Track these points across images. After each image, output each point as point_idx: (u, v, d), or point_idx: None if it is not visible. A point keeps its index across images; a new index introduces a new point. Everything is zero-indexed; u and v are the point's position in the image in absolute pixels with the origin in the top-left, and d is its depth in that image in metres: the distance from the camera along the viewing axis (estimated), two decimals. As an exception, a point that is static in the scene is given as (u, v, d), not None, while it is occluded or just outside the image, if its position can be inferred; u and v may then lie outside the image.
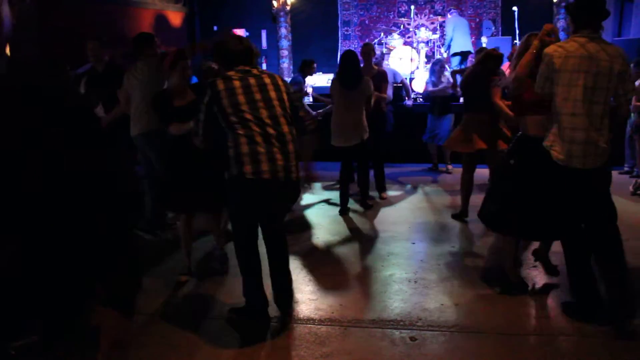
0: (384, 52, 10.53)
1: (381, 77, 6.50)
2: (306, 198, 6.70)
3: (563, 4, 10.95)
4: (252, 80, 3.23)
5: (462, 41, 10.54)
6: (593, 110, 3.28)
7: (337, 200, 6.09)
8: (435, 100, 8.02)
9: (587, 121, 3.27)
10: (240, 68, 3.27)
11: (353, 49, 12.36)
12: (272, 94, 3.25)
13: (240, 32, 12.04)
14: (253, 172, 3.11)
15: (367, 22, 12.60)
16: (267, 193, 3.21)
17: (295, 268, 4.41)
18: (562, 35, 10.83)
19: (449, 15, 11.14)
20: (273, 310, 3.63)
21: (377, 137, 6.32)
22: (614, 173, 7.66)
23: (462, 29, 10.65)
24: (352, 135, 5.73)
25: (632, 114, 7.15)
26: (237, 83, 3.20)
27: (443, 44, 11.05)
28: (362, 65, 6.31)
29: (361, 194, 6.25)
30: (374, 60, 7.16)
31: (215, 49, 3.40)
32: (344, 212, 5.98)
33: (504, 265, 4.07)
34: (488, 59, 5.29)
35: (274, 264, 3.49)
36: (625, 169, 7.84)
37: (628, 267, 3.61)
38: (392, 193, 6.77)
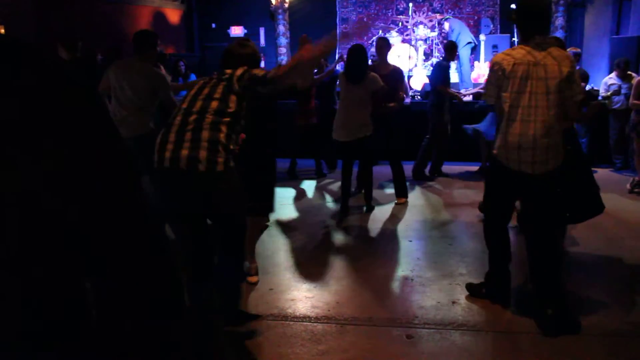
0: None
1: (397, 75, 6.17)
2: (306, 194, 6.69)
3: (561, 2, 10.96)
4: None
5: (467, 35, 10.64)
6: (541, 116, 3.27)
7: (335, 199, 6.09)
8: None
9: (535, 127, 3.26)
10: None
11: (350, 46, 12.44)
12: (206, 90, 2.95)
13: (239, 29, 12.04)
14: (157, 161, 2.82)
15: (365, 19, 12.59)
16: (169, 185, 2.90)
17: (292, 265, 4.41)
18: (560, 33, 10.85)
19: (446, 24, 11.09)
20: (268, 307, 3.63)
21: (394, 137, 6.19)
22: (605, 171, 7.71)
23: (463, 28, 10.71)
24: (353, 130, 5.64)
25: (632, 113, 7.15)
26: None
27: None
28: (376, 59, 6.30)
29: (365, 195, 6.08)
30: (370, 56, 7.12)
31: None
32: (344, 210, 5.91)
33: None
34: None
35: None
36: (617, 166, 7.91)
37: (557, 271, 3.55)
38: (389, 191, 6.76)
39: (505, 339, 3.28)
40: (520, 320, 3.49)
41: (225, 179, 2.82)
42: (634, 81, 7.10)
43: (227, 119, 2.85)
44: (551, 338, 3.26)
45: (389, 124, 6.12)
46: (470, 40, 10.45)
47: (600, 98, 8.18)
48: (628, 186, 6.69)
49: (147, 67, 4.79)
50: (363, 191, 6.20)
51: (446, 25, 11.02)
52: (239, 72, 2.96)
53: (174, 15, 12.08)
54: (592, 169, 7.64)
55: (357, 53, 5.75)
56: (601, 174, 7.77)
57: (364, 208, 6.03)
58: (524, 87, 3.27)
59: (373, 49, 8.40)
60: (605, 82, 8.08)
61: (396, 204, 6.25)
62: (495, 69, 3.38)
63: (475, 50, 10.69)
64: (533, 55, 3.29)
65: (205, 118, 2.81)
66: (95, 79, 5.61)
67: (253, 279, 4.05)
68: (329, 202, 6.42)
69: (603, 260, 4.51)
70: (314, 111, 7.33)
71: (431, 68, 11.32)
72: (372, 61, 8.29)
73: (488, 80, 3.49)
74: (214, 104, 2.85)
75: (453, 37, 10.66)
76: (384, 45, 6.33)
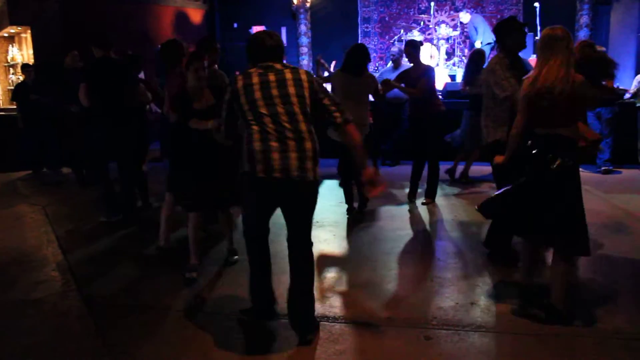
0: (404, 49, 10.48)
1: (429, 72, 6.13)
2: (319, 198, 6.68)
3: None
4: (271, 76, 3.15)
5: (489, 35, 10.58)
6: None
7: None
8: None
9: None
10: (263, 64, 3.20)
11: (373, 46, 12.41)
12: (291, 90, 3.12)
13: (260, 29, 12.06)
14: (264, 170, 3.04)
15: (387, 19, 12.54)
16: (279, 192, 3.13)
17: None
18: (585, 31, 10.67)
19: (467, 15, 11.00)
20: (286, 307, 3.63)
21: (432, 137, 6.16)
22: (632, 172, 7.54)
23: (487, 28, 10.65)
24: (360, 127, 5.57)
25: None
26: (256, 79, 3.14)
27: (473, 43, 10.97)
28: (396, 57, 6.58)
29: (359, 195, 5.87)
30: (390, 57, 7.06)
31: (246, 44, 3.35)
32: (350, 211, 5.82)
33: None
34: None
35: (294, 280, 3.30)
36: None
37: None
38: (407, 191, 6.71)
39: (524, 340, 3.23)
40: (539, 322, 3.44)
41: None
42: None
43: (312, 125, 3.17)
44: (570, 341, 3.22)
45: (427, 124, 6.10)
46: (491, 41, 10.36)
47: (629, 95, 8.04)
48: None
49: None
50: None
51: (463, 17, 10.90)
52: (313, 79, 3.24)
53: (196, 15, 12.17)
54: (617, 169, 7.65)
55: (358, 48, 5.75)
56: (627, 174, 7.65)
57: (359, 209, 5.88)
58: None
59: (394, 49, 8.36)
60: (637, 79, 7.99)
61: (422, 203, 6.24)
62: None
63: (493, 50, 10.59)
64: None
65: (300, 125, 3.08)
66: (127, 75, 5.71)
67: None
68: (340, 203, 6.39)
69: (631, 266, 4.42)
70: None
71: (454, 67, 11.28)
72: (392, 61, 8.27)
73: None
74: (297, 109, 3.11)
75: (478, 36, 10.59)
76: (413, 48, 6.26)
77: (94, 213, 6.08)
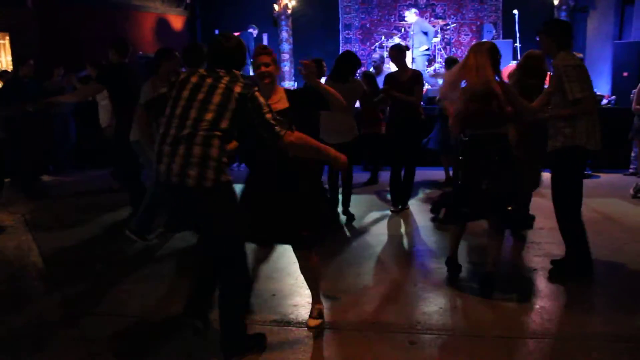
0: (385, 55, 10.55)
1: (416, 78, 6.10)
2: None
3: (564, 7, 10.98)
4: (193, 79, 2.93)
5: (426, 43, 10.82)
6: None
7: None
8: None
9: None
10: (197, 69, 3.04)
11: (354, 52, 12.48)
12: (201, 96, 2.84)
13: (236, 34, 12.09)
14: (158, 172, 2.89)
15: (368, 25, 12.63)
16: (178, 198, 2.94)
17: (294, 271, 4.40)
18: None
19: (413, 16, 10.99)
20: (270, 313, 3.63)
21: (411, 143, 6.19)
22: (617, 176, 7.68)
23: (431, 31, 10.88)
24: (338, 134, 5.56)
25: (634, 118, 7.15)
26: (194, 79, 2.94)
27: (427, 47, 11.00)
28: (378, 64, 6.23)
29: (343, 201, 5.92)
30: (371, 62, 7.11)
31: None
32: (335, 221, 5.59)
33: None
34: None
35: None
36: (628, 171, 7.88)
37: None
38: (390, 197, 6.75)
39: (507, 344, 3.27)
40: (522, 326, 3.49)
41: (215, 196, 2.81)
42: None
43: (220, 134, 2.80)
44: (552, 344, 3.27)
45: (414, 133, 6.16)
46: (429, 52, 10.36)
47: (606, 102, 8.15)
48: (631, 191, 6.69)
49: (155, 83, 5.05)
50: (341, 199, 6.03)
51: (409, 17, 10.90)
52: (251, 95, 2.84)
53: (177, 22, 12.14)
54: (596, 174, 7.78)
55: (343, 56, 5.82)
56: (608, 178, 7.79)
57: (345, 217, 5.88)
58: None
59: (375, 55, 8.42)
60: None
61: (395, 210, 6.26)
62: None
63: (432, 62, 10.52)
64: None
65: (192, 130, 2.77)
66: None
67: (312, 322, 3.47)
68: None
69: (607, 266, 4.50)
70: (380, 120, 7.39)
71: (434, 73, 11.38)
72: (374, 67, 8.33)
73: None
74: (209, 116, 2.79)
75: (428, 42, 10.63)
76: (399, 51, 6.24)
77: (74, 221, 6.02)
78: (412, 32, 11.03)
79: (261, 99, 2.86)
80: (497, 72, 3.95)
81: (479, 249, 4.90)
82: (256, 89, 2.89)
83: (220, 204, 2.86)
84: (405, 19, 11.31)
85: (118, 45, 5.69)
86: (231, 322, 3.05)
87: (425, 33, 10.80)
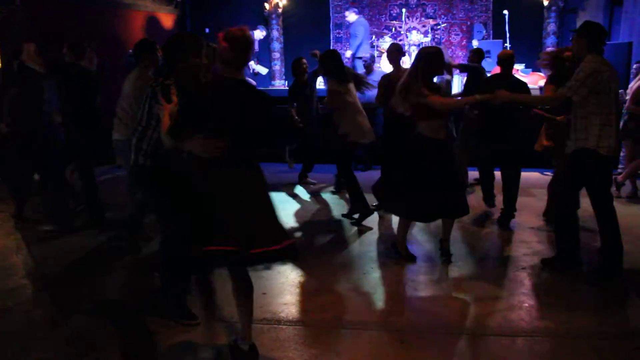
0: (376, 54, 10.57)
1: None
2: (297, 203, 6.70)
3: (553, 8, 11.04)
4: None
5: (367, 46, 10.61)
6: None
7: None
8: None
9: None
10: None
11: (345, 51, 12.47)
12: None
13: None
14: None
15: (359, 24, 12.60)
16: None
17: (285, 269, 4.41)
18: (552, 38, 10.93)
19: (353, 15, 10.91)
20: (261, 311, 3.63)
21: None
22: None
23: (367, 33, 10.71)
24: (369, 132, 5.68)
25: (625, 118, 7.18)
26: None
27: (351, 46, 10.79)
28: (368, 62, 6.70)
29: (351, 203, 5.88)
30: (362, 61, 7.06)
31: None
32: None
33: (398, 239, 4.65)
34: None
35: None
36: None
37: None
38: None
39: (496, 342, 3.29)
40: (512, 325, 3.50)
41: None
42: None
43: None
44: (540, 339, 3.29)
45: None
46: (363, 55, 9.92)
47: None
48: (614, 191, 6.75)
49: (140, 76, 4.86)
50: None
51: (349, 16, 10.80)
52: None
53: (167, 20, 12.07)
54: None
55: (337, 54, 5.81)
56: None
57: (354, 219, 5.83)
58: None
59: (366, 54, 8.41)
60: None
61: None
62: None
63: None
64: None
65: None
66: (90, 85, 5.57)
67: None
68: (323, 208, 6.43)
69: (592, 264, 4.53)
70: None
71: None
72: (364, 67, 8.32)
73: None
74: None
75: (352, 47, 10.55)
76: (398, 52, 6.16)
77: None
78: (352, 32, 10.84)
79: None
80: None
81: (471, 247, 4.94)
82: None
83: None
84: (346, 18, 11.08)
85: (74, 46, 5.63)
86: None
87: (355, 35, 10.61)
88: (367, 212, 5.63)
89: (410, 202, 4.38)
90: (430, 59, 4.39)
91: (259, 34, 11.03)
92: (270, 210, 2.97)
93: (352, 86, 5.63)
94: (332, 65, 5.64)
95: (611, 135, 4.04)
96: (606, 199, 4.19)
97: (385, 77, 6.18)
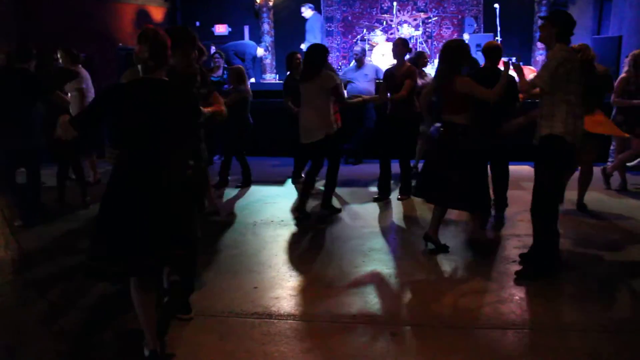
0: (367, 48, 10.55)
1: (407, 74, 6.08)
2: (287, 198, 6.69)
3: (544, 2, 11.06)
4: None
5: (322, 42, 10.49)
6: None
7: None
8: None
9: None
10: None
11: (336, 45, 12.47)
12: None
13: (222, 28, 12.00)
14: None
15: (350, 18, 12.60)
16: None
17: (277, 264, 4.42)
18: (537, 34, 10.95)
19: (309, 11, 10.82)
20: (252, 305, 3.63)
21: (408, 137, 6.29)
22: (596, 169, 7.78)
23: (316, 31, 10.67)
24: (310, 133, 5.54)
25: (613, 111, 7.20)
26: None
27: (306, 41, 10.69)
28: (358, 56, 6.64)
29: (324, 195, 5.89)
30: (353, 56, 7.02)
31: None
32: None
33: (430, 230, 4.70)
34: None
35: None
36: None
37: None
38: (373, 189, 6.77)
39: (487, 335, 3.31)
40: (503, 317, 3.52)
41: None
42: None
43: None
44: (530, 332, 3.31)
45: (406, 124, 6.19)
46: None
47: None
48: (604, 184, 6.80)
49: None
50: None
51: (305, 12, 10.74)
52: None
53: (157, 13, 12.00)
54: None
55: (307, 53, 5.68)
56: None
57: (327, 211, 5.85)
58: None
59: (357, 48, 8.40)
60: None
61: (398, 199, 6.36)
62: None
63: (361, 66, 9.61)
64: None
65: None
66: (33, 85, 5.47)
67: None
68: (314, 203, 6.42)
69: (581, 257, 4.57)
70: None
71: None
72: (355, 60, 8.31)
73: None
74: None
75: (305, 43, 10.51)
76: (404, 47, 6.20)
77: (53, 214, 5.95)
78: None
79: None
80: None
81: (462, 240, 4.95)
82: None
83: None
84: (302, 14, 10.99)
85: (18, 49, 5.54)
86: None
87: (307, 31, 10.62)
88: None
89: (476, 195, 4.58)
90: (459, 51, 4.59)
91: (260, 51, 11.08)
92: (175, 215, 2.88)
93: (308, 85, 5.50)
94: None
95: (577, 126, 4.01)
96: (555, 186, 4.15)
97: (388, 72, 6.20)
